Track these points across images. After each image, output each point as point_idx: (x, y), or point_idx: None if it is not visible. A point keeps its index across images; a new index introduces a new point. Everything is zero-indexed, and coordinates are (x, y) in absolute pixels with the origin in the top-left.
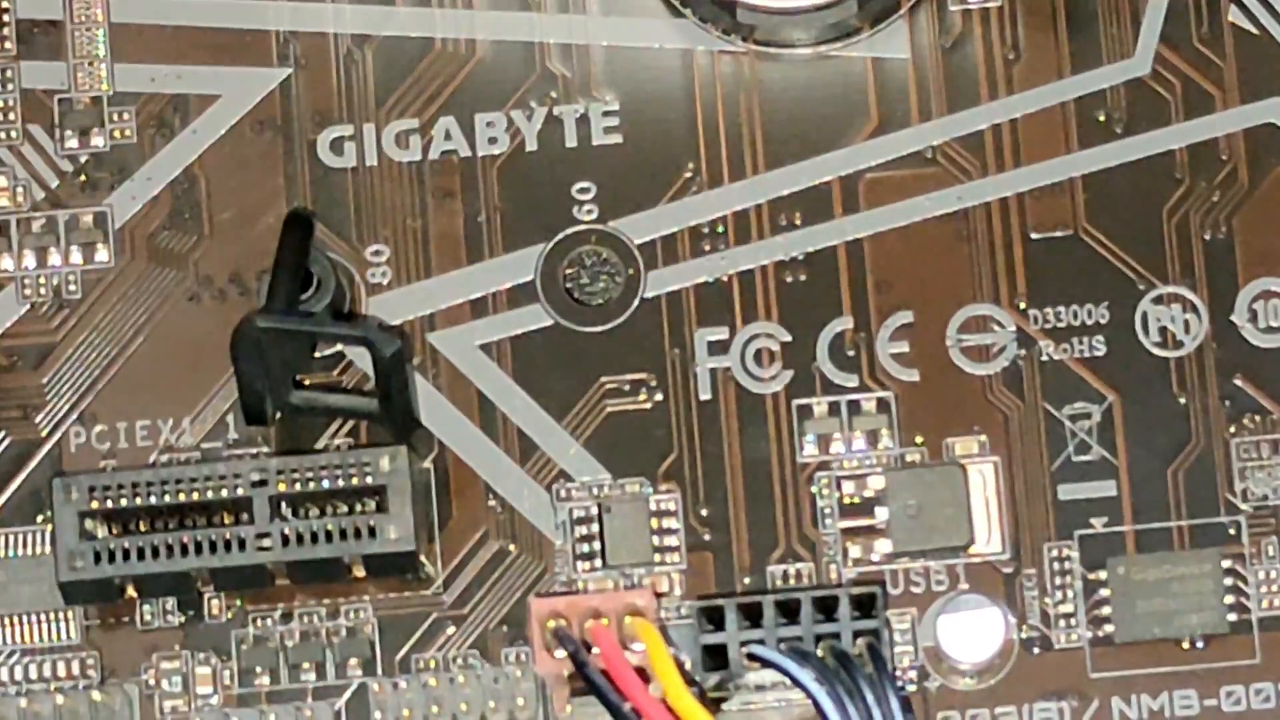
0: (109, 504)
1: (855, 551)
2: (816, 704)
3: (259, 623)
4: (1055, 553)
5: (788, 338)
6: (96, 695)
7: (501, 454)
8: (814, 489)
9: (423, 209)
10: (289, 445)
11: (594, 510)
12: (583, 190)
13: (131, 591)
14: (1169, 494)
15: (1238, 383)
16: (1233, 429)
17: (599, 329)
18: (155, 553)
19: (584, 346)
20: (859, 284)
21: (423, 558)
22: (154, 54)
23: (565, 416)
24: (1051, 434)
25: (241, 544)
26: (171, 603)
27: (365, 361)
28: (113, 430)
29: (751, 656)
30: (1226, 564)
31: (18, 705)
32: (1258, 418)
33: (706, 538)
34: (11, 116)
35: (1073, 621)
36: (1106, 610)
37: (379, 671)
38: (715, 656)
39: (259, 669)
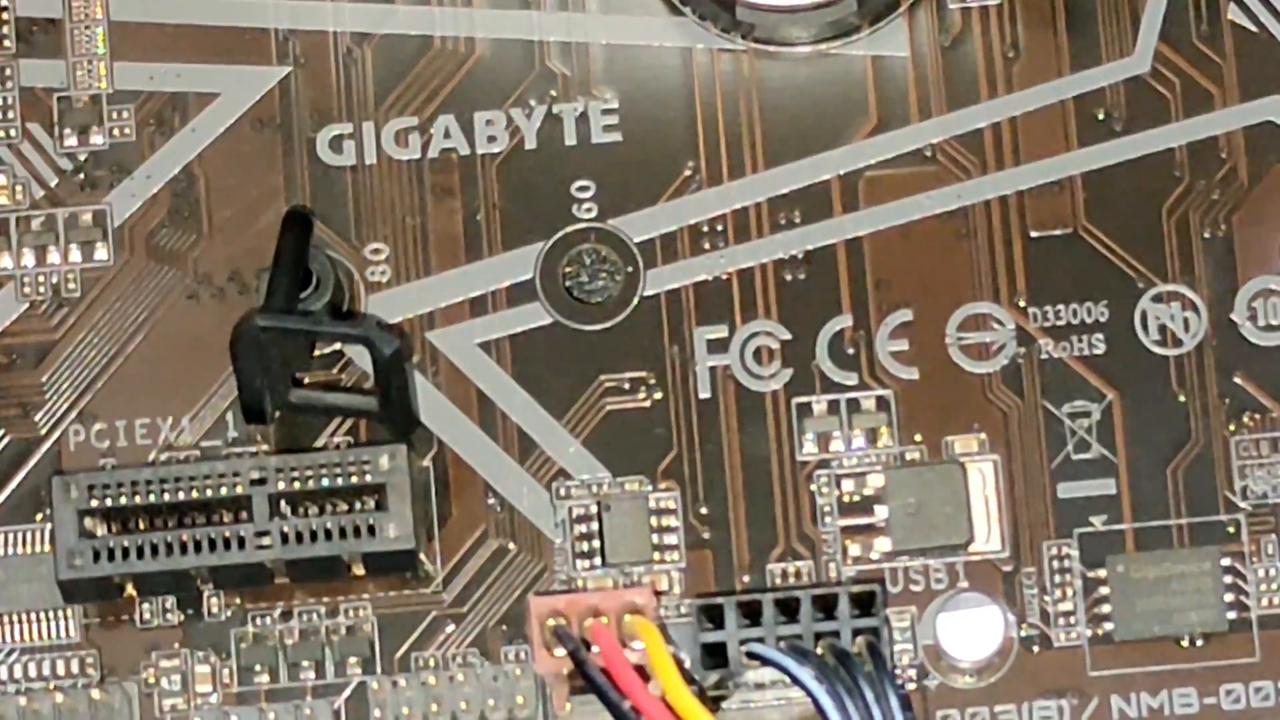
0: (108, 502)
1: (855, 550)
2: (816, 702)
3: (258, 621)
4: (1055, 551)
5: (787, 336)
6: (96, 694)
7: (501, 452)
8: (813, 487)
9: (422, 207)
10: (288, 444)
11: (593, 508)
12: (582, 188)
13: (131, 590)
14: (1168, 492)
15: (1237, 381)
16: (1232, 427)
17: (598, 327)
18: (154, 551)
19: (583, 345)
20: (858, 282)
21: (422, 556)
22: (153, 52)
23: (565, 415)
24: (1051, 432)
25: (241, 542)
26: (171, 601)
27: (365, 360)
28: (112, 428)
29: (751, 655)
30: (1226, 562)
31: (17, 704)
32: (1257, 416)
33: (706, 536)
34: (11, 115)
35: (1072, 620)
36: (1106, 608)
37: (378, 670)
38: (715, 655)
39: (258, 667)
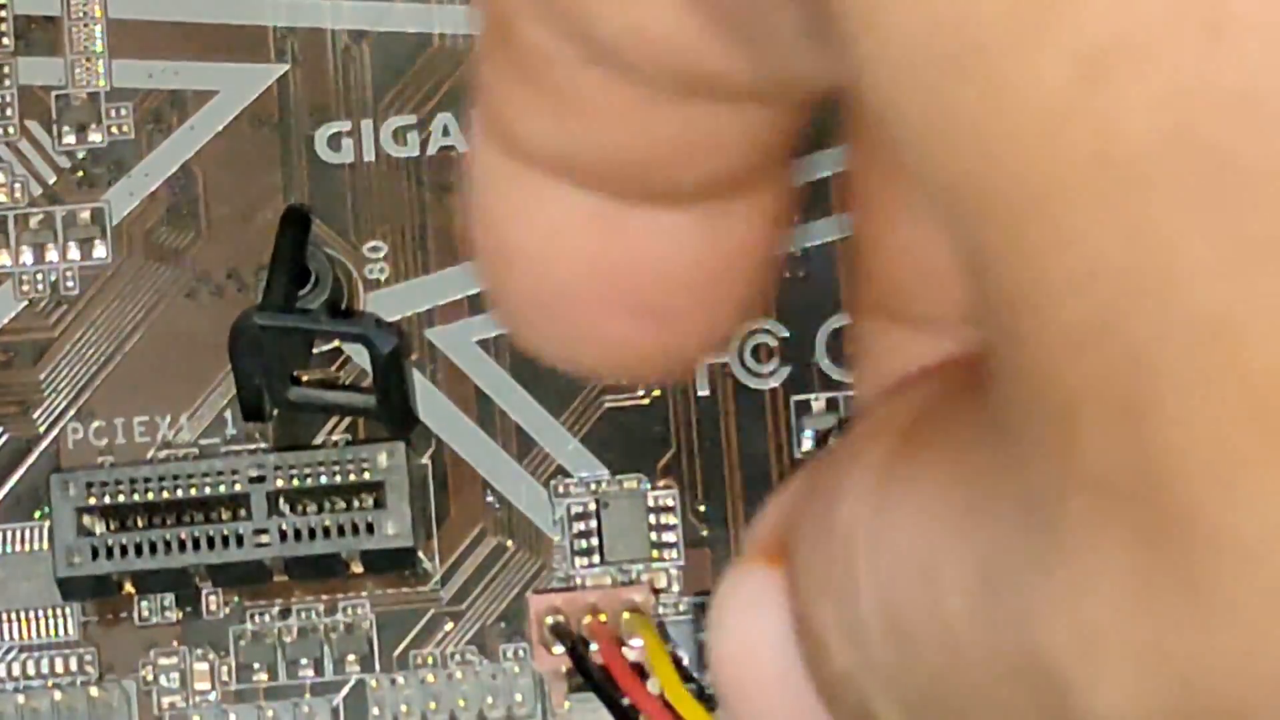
0: (107, 500)
1: None
2: None
3: (257, 619)
4: None
5: (786, 334)
6: (94, 691)
7: (499, 450)
8: None
9: (421, 205)
10: (287, 441)
11: (592, 506)
12: None
13: (129, 587)
14: None
15: None
16: None
17: None
18: (153, 549)
19: None
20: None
21: (420, 554)
22: (151, 50)
23: (563, 413)
24: None
25: (239, 540)
26: (169, 599)
27: (364, 358)
28: (110, 426)
29: None
30: None
31: (15, 701)
32: None
33: (705, 534)
34: (9, 112)
35: None
36: None
37: (377, 668)
38: None
39: (257, 665)
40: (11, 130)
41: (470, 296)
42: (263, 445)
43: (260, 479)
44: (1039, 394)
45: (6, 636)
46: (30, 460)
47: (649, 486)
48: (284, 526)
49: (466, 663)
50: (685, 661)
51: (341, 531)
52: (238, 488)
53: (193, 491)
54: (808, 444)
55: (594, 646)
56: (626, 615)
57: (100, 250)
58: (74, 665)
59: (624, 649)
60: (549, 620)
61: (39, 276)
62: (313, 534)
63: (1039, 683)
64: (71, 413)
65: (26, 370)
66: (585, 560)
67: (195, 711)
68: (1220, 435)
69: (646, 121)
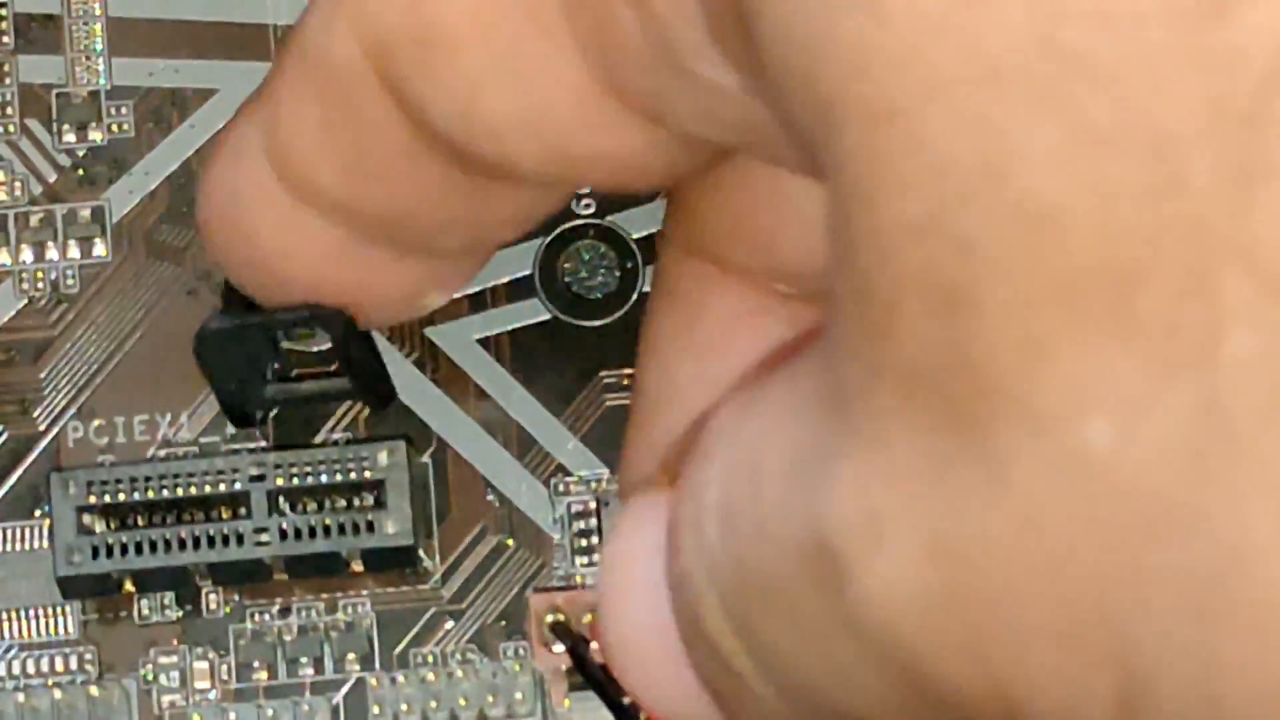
0: (107, 499)
1: None
2: None
3: (257, 617)
4: None
5: None
6: (94, 690)
7: (500, 448)
8: None
9: None
10: (287, 440)
11: (592, 505)
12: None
13: (129, 586)
14: None
15: None
16: None
17: (598, 323)
18: (153, 547)
19: (583, 341)
20: None
21: (421, 552)
22: (151, 48)
23: (563, 411)
24: None
25: (240, 539)
26: (169, 597)
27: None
28: (110, 425)
29: None
30: None
31: (15, 700)
32: None
33: None
34: (9, 111)
35: None
36: None
37: (377, 666)
38: None
39: (257, 664)
40: (11, 128)
41: (470, 295)
42: (263, 444)
43: (260, 478)
44: (866, 290)
45: (6, 635)
46: (30, 459)
47: None
48: (284, 525)
49: (467, 661)
50: None
51: (342, 530)
52: (238, 486)
53: (193, 490)
54: None
55: (594, 645)
56: None
57: (100, 249)
58: (74, 664)
59: None
60: (549, 619)
61: (39, 275)
62: (313, 532)
63: (823, 563)
64: (71, 411)
65: (26, 369)
66: (586, 559)
67: (195, 710)
68: (1030, 316)
69: (444, 196)
